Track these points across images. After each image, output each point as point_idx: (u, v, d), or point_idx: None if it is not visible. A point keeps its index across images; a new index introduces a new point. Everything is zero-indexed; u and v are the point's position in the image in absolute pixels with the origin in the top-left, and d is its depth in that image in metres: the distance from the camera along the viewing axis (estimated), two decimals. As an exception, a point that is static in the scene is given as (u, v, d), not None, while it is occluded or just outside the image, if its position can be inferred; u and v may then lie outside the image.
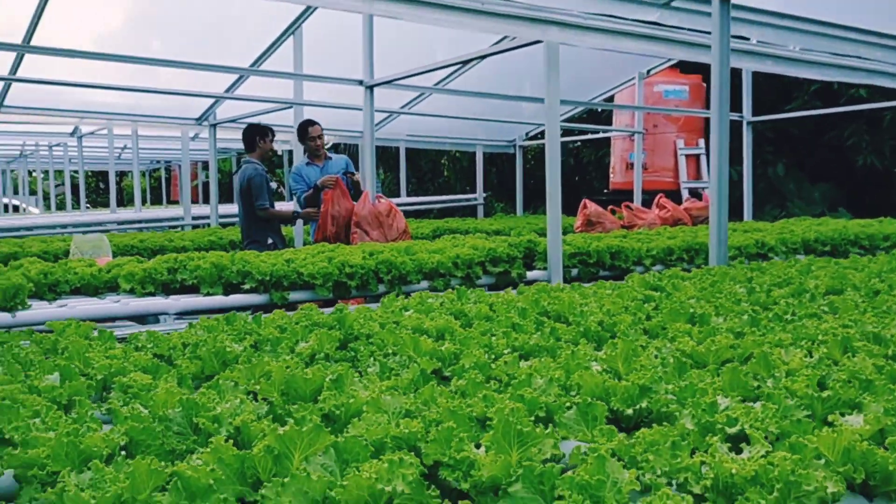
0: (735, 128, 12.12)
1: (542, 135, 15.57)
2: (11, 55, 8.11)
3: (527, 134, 14.09)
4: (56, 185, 25.35)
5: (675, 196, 11.29)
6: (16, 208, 25.14)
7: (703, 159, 12.51)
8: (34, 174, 25.46)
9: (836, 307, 3.04)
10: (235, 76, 9.19)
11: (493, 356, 2.32)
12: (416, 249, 5.34)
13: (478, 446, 1.50)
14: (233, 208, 14.70)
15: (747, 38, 5.58)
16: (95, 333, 2.78)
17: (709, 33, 4.67)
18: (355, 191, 7.37)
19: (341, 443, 1.36)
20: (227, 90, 9.24)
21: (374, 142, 7.28)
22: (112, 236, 8.99)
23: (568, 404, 1.70)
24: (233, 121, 10.10)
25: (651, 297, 3.39)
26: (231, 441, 1.49)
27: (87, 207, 23.07)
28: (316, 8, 7.69)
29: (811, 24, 5.46)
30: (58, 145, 17.33)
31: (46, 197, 25.96)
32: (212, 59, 7.68)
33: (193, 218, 12.12)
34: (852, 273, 4.12)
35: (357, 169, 7.79)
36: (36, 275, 4.35)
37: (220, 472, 1.27)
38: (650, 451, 1.40)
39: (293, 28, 7.93)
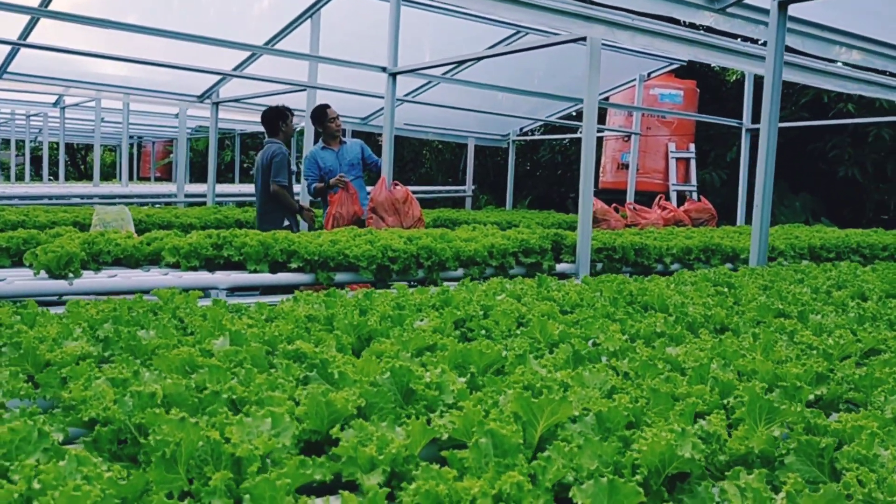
0: (735, 134, 12.42)
1: (535, 131, 15.72)
2: (19, 22, 7.96)
3: (521, 129, 14.16)
4: (16, 156, 24.79)
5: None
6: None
7: (693, 163, 12.76)
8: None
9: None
10: (243, 56, 9.09)
11: (626, 341, 2.39)
12: (452, 237, 5.39)
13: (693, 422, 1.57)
14: (225, 188, 14.59)
15: (793, 50, 5.71)
16: (207, 302, 2.78)
17: (753, 41, 4.79)
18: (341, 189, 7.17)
19: (604, 411, 1.42)
20: (236, 69, 9.13)
21: (393, 129, 7.28)
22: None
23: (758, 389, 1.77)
24: (237, 100, 9.98)
25: (722, 293, 3.49)
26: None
27: (50, 180, 22.55)
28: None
29: (854, 39, 5.62)
30: (37, 114, 16.97)
31: (6, 167, 25.23)
32: (218, 37, 7.57)
33: (186, 196, 11.98)
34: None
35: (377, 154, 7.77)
36: (80, 245, 4.32)
37: (521, 432, 1.32)
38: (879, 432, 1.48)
39: (312, 11, 7.89)
